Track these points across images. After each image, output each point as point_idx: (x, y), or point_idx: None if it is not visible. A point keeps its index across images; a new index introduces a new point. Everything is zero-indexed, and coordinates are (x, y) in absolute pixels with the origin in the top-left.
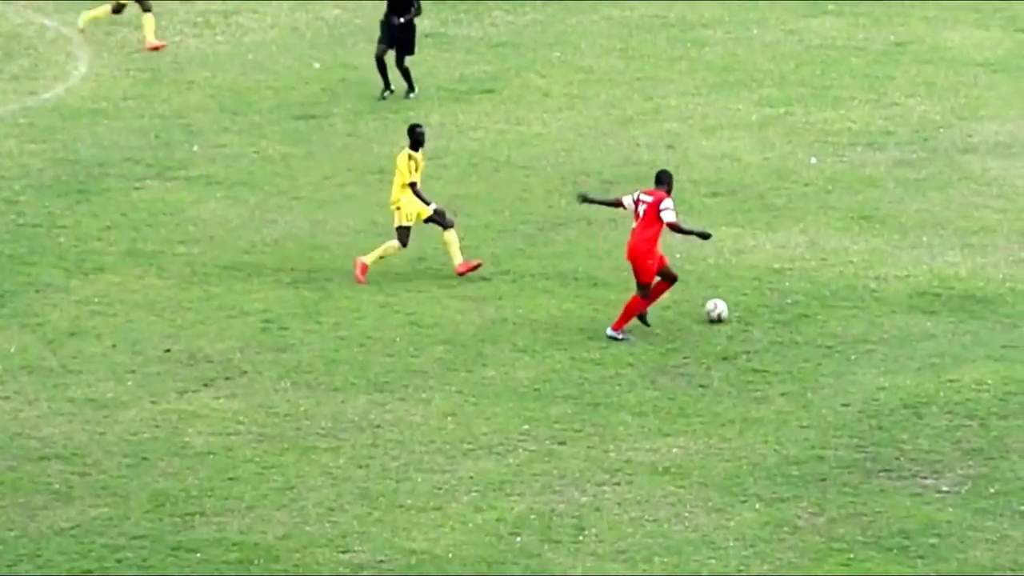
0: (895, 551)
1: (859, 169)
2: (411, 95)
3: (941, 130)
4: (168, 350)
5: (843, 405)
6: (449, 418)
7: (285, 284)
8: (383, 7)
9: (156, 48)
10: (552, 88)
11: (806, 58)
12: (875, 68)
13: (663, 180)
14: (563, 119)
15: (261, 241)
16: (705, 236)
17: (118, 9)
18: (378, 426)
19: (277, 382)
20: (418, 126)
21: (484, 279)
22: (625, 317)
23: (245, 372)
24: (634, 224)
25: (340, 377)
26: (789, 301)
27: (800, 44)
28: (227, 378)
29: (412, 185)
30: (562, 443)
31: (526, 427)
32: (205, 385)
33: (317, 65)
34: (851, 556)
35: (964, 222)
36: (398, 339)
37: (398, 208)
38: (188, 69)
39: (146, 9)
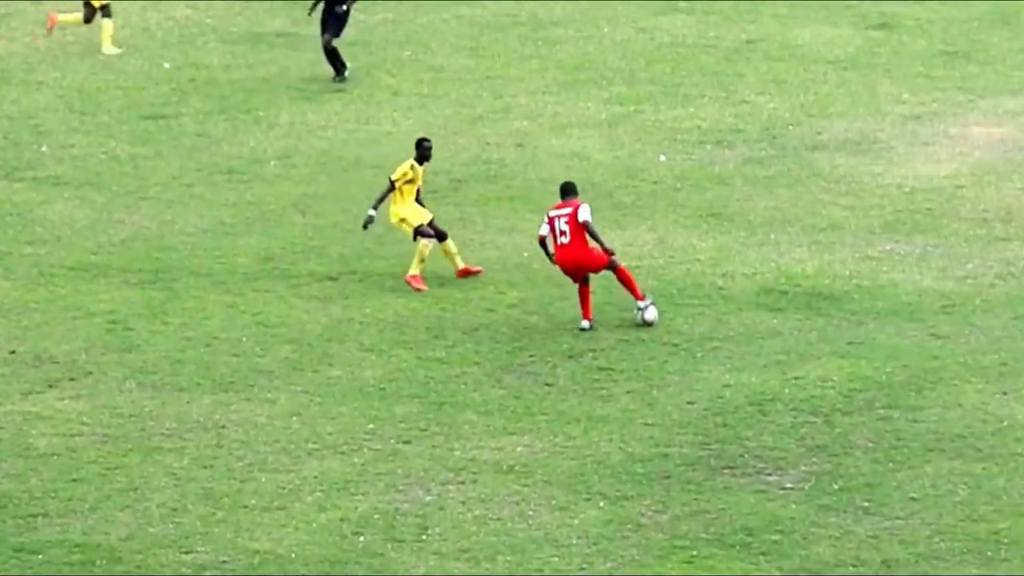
0: (738, 548)
1: (708, 167)
2: (344, 75)
3: (790, 127)
4: (13, 351)
5: (688, 403)
6: (294, 418)
7: (132, 284)
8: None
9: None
10: (402, 87)
11: (656, 56)
12: (725, 66)
13: (572, 191)
14: (413, 118)
15: (108, 242)
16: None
17: (89, 18)
18: (223, 426)
19: (122, 383)
20: (425, 140)
21: (331, 279)
22: (633, 287)
23: (90, 373)
24: (563, 240)
25: (185, 377)
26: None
27: (651, 42)
28: (72, 379)
29: (392, 183)
30: (407, 442)
31: (371, 426)
32: (50, 386)
33: (167, 65)
34: (694, 553)
35: (812, 219)
36: (244, 339)
37: (403, 221)
38: (38, 69)
39: (106, 15)
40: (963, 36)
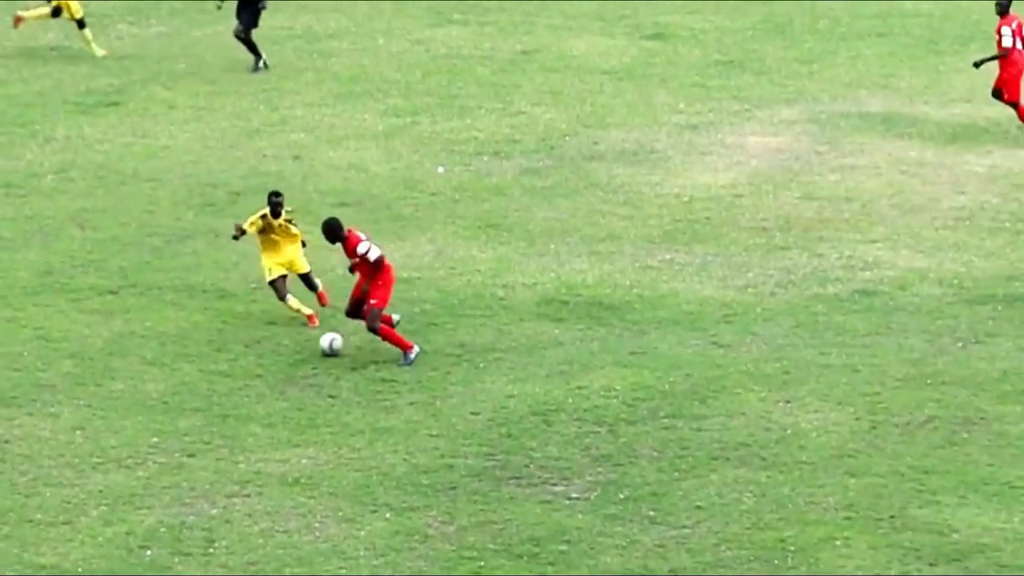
0: (526, 558)
1: (486, 178)
2: (261, 62)
3: (567, 138)
4: None
5: (472, 413)
6: (78, 432)
7: None
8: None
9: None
10: (178, 100)
11: (432, 68)
12: (501, 77)
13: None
14: (190, 131)
15: None
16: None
17: (56, 12)
18: (6, 441)
19: None
20: (276, 194)
21: (111, 292)
22: (397, 342)
23: None
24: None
25: None
26: (417, 310)
27: (426, 54)
28: None
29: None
30: (192, 455)
31: (155, 440)
32: None
33: None
34: (482, 564)
35: (591, 229)
36: (25, 353)
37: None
38: None
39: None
40: (738, 46)
